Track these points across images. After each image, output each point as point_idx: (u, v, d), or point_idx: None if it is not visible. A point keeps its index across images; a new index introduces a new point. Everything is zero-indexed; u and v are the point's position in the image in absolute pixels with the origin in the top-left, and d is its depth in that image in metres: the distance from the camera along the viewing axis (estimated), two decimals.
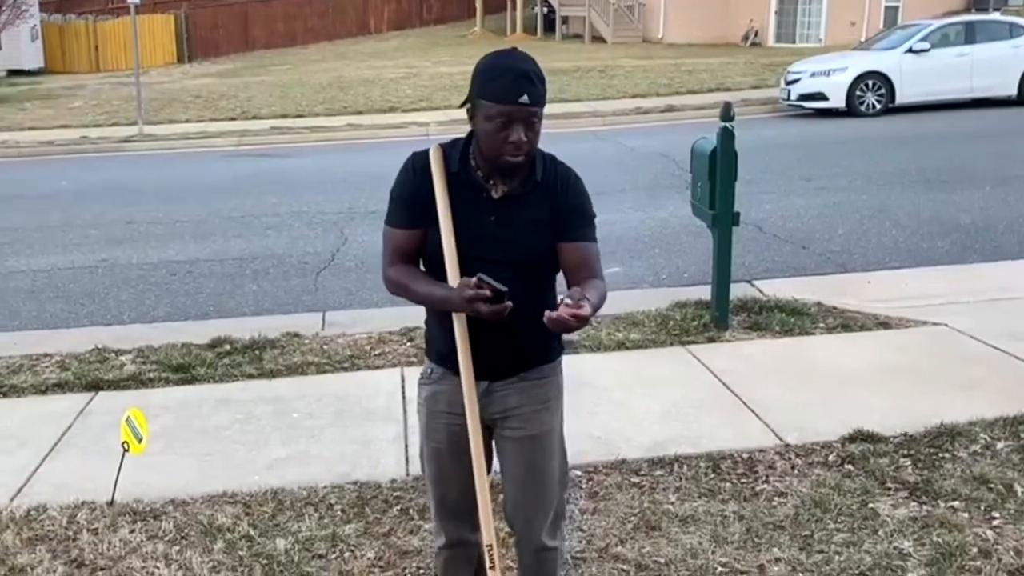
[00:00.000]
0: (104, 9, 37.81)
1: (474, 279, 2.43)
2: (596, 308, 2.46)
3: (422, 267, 2.70)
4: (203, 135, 17.58)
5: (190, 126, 18.61)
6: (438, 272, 2.61)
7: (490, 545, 2.61)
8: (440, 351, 2.71)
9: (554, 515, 2.86)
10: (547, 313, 2.32)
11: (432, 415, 2.77)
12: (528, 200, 2.59)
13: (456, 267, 2.54)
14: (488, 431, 2.73)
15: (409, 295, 2.66)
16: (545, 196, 2.60)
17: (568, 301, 2.33)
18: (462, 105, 2.59)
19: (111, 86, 26.48)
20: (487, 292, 2.40)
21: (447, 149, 2.64)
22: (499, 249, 2.56)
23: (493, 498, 2.73)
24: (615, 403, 5.19)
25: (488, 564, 2.62)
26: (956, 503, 3.96)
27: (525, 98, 2.44)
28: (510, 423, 2.73)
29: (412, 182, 2.63)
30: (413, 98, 20.89)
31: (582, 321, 2.31)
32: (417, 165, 2.65)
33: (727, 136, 6.00)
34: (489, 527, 2.61)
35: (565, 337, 2.80)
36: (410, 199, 2.63)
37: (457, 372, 2.61)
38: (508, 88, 2.44)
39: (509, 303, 2.41)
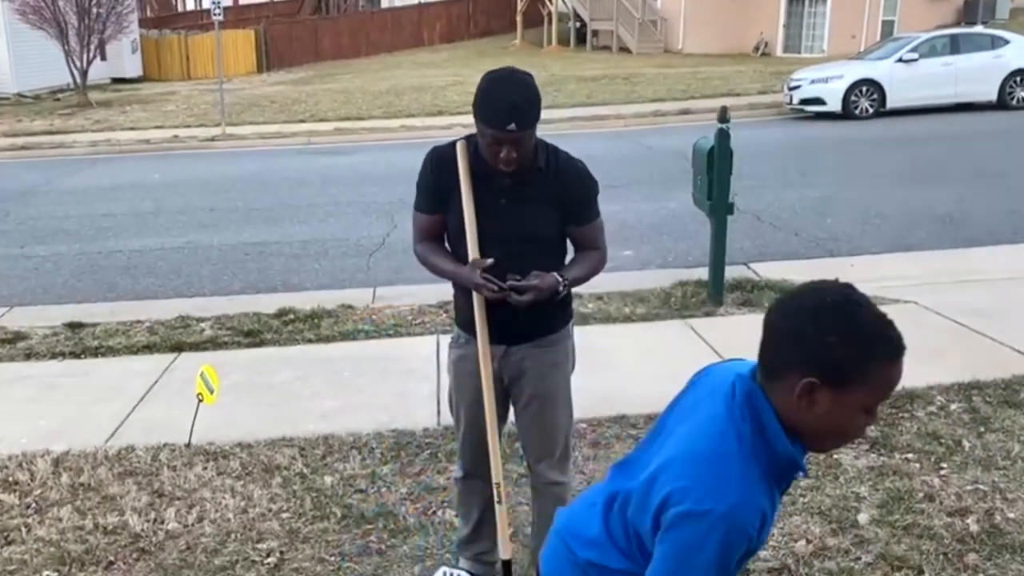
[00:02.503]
0: (195, 25, 38.19)
1: (486, 263, 2.58)
2: (576, 282, 2.74)
3: (446, 242, 2.82)
4: (277, 135, 17.76)
5: (266, 127, 18.80)
6: (458, 245, 2.74)
7: (498, 483, 2.72)
8: (466, 320, 2.82)
9: (560, 456, 2.96)
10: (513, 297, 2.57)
11: (460, 375, 2.90)
12: (535, 184, 2.67)
13: (476, 244, 2.66)
14: (501, 384, 2.84)
15: (429, 268, 2.82)
16: (550, 182, 2.68)
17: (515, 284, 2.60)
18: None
19: (199, 92, 26.79)
20: (494, 287, 2.58)
21: (467, 141, 2.73)
22: (510, 225, 2.66)
23: (509, 444, 2.84)
24: (620, 367, 5.27)
25: (496, 499, 2.73)
26: (910, 455, 4.01)
27: (513, 126, 2.49)
28: (523, 381, 2.84)
29: (430, 175, 2.75)
30: (459, 103, 20.90)
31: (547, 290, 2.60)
32: (434, 160, 2.75)
33: (723, 136, 6.03)
34: (498, 468, 2.72)
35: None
36: (429, 189, 2.76)
37: None
38: (498, 117, 2.50)
39: (508, 290, 2.57)
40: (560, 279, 2.66)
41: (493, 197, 2.66)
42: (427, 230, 2.80)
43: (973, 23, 26.29)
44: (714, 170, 6.13)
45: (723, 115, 6.07)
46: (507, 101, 2.51)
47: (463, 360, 2.85)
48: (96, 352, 5.83)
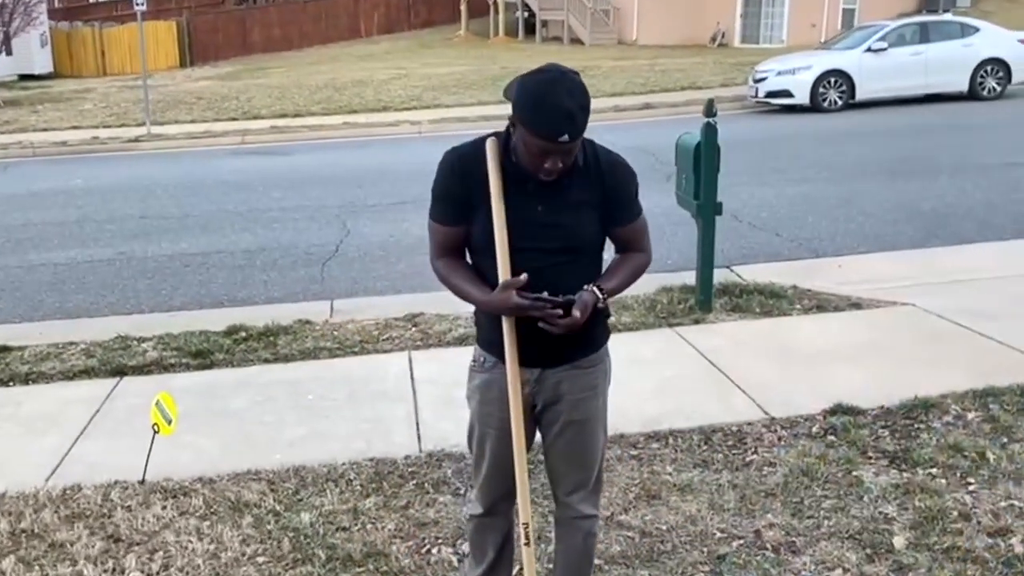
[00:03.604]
0: (109, 16, 37.38)
1: (520, 282, 2.43)
2: (615, 292, 2.62)
3: (468, 256, 2.67)
4: (207, 134, 17.41)
5: (195, 126, 18.42)
6: (483, 261, 2.58)
7: (526, 523, 2.58)
8: (492, 341, 2.64)
9: (593, 487, 2.85)
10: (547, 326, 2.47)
11: (485, 402, 2.72)
12: (573, 184, 2.53)
13: (507, 262, 2.49)
14: (531, 410, 2.70)
15: (450, 288, 2.65)
16: (591, 179, 2.55)
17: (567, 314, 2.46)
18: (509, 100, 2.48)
19: (117, 89, 26.18)
20: (547, 305, 2.43)
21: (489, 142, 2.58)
22: (547, 236, 2.51)
23: (532, 477, 2.70)
24: (612, 382, 5.17)
25: (524, 541, 2.59)
26: (934, 470, 3.98)
27: (565, 137, 2.36)
28: (559, 407, 2.70)
29: (451, 181, 2.57)
30: (404, 98, 20.77)
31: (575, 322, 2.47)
32: (456, 163, 2.57)
33: (710, 131, 5.99)
34: (527, 507, 2.58)
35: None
36: (450, 198, 2.58)
37: None
38: (550, 128, 2.34)
39: (560, 313, 2.43)
40: (598, 295, 2.51)
41: (528, 204, 2.51)
42: (448, 244, 2.63)
43: (935, 11, 26.94)
44: (701, 168, 6.09)
45: (709, 109, 6.03)
46: (562, 109, 2.34)
47: (490, 386, 2.67)
48: (27, 379, 5.57)
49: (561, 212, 2.53)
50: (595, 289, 2.52)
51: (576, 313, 2.45)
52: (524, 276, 2.44)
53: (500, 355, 2.60)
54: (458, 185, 2.56)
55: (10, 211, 11.05)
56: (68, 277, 8.11)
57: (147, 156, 15.90)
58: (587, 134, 2.50)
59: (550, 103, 2.35)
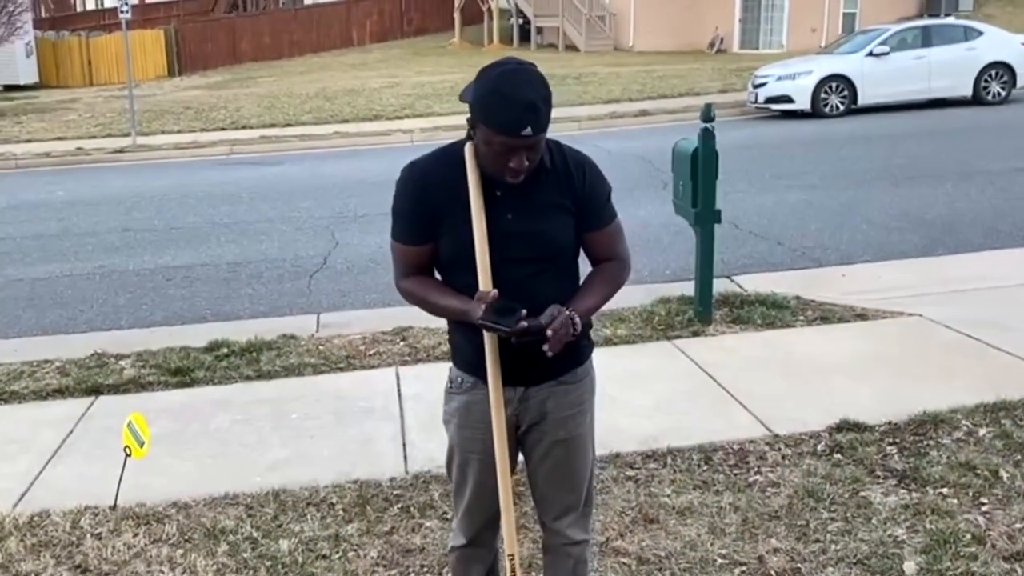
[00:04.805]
0: (96, 25, 37.40)
1: (489, 296, 2.31)
2: (591, 312, 2.51)
3: (437, 273, 2.55)
4: (195, 145, 17.31)
5: (182, 136, 18.33)
6: (454, 279, 2.46)
7: (512, 555, 2.46)
8: (469, 361, 2.53)
9: (583, 509, 2.73)
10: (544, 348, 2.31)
11: (465, 426, 2.59)
12: (542, 186, 2.42)
13: (488, 270, 2.37)
14: (514, 431, 2.58)
15: (426, 307, 2.52)
16: (560, 181, 2.44)
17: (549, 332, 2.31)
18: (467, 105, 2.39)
19: (104, 99, 26.10)
20: (509, 330, 2.29)
21: (452, 151, 2.46)
22: (519, 245, 2.40)
23: (518, 508, 2.59)
24: (606, 397, 4.93)
25: (510, 574, 2.48)
26: (945, 490, 3.86)
27: (529, 131, 2.24)
28: (544, 426, 2.59)
29: (414, 197, 2.45)
30: (396, 107, 20.70)
31: (565, 335, 2.33)
32: (417, 179, 2.45)
33: (708, 136, 5.88)
34: (512, 538, 2.47)
35: None
36: (414, 215, 2.46)
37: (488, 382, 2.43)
38: (511, 122, 2.24)
39: (523, 324, 2.29)
40: (574, 324, 2.36)
41: (496, 213, 2.39)
42: (412, 264, 2.51)
43: (937, 15, 26.94)
44: (699, 175, 5.99)
45: (707, 113, 5.92)
46: (524, 102, 2.24)
47: (470, 408, 2.55)
48: None
49: (532, 218, 2.41)
50: (569, 315, 2.35)
51: (561, 331, 2.32)
52: (494, 292, 2.32)
53: (479, 375, 2.48)
54: (421, 201, 2.44)
55: None
56: (46, 292, 7.99)
57: (132, 167, 15.79)
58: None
59: (510, 95, 2.25)
